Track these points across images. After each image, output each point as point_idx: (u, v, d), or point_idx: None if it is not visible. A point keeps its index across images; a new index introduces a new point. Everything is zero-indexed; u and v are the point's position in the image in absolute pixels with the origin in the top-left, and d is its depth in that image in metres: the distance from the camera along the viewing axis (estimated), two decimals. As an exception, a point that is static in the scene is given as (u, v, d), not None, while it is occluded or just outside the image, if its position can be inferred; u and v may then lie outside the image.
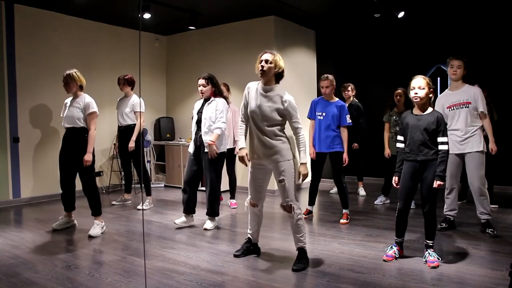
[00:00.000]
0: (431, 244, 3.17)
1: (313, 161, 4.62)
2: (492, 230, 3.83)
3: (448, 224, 4.08)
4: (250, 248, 3.46)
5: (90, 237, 3.98)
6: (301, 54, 7.13)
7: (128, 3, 5.60)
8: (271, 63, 3.05)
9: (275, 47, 6.36)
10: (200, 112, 4.26)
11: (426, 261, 3.12)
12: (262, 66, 3.05)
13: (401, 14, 5.90)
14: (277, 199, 5.98)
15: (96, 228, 4.06)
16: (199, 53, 7.28)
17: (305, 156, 3.14)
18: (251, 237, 3.47)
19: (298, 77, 6.96)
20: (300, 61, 7.07)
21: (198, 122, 4.25)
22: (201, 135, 4.20)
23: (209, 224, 4.26)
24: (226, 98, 4.35)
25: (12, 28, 5.54)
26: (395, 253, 3.28)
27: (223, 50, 6.94)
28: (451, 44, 6.33)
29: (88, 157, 4.00)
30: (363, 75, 7.19)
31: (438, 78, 6.49)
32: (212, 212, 4.28)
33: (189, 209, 4.38)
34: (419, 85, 3.08)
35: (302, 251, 3.18)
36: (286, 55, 6.66)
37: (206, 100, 4.27)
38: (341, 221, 4.46)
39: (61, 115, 4.28)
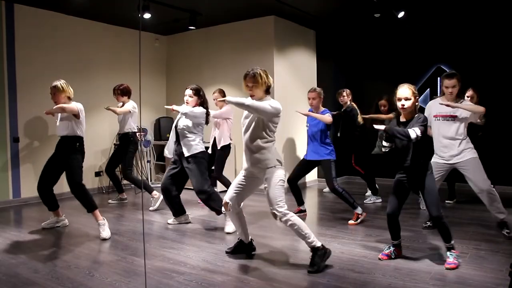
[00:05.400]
0: (450, 246, 3.11)
1: (300, 163, 4.70)
2: (508, 231, 3.79)
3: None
4: (243, 246, 3.48)
5: (104, 239, 3.92)
6: (301, 54, 7.13)
7: (128, 3, 5.60)
8: (256, 87, 3.08)
9: (275, 47, 6.38)
10: (177, 122, 4.26)
11: (445, 261, 3.10)
12: (250, 91, 3.10)
13: (401, 14, 5.90)
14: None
15: (106, 230, 4.01)
16: (199, 53, 7.28)
17: (235, 100, 3.02)
18: (241, 238, 3.48)
19: (298, 77, 6.97)
20: (300, 61, 7.07)
21: (176, 131, 4.26)
22: (179, 142, 4.23)
23: (230, 228, 4.14)
24: (207, 114, 4.33)
25: (12, 28, 5.54)
26: (391, 253, 3.28)
27: (223, 50, 6.95)
28: (451, 44, 6.33)
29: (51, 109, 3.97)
30: (363, 75, 7.20)
31: (438, 78, 6.49)
32: (220, 212, 4.21)
33: (172, 211, 4.50)
34: (405, 96, 3.07)
35: (314, 250, 3.11)
36: (286, 55, 6.67)
37: None
38: (350, 222, 4.44)
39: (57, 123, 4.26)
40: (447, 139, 3.78)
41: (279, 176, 3.10)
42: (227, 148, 5.28)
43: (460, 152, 3.75)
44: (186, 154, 4.18)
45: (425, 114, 3.94)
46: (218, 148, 5.24)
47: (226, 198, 3.29)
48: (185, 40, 7.50)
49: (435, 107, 3.87)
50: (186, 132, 4.19)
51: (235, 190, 3.28)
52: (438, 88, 6.48)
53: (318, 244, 3.10)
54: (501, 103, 5.79)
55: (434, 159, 3.91)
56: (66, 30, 6.15)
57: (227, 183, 5.24)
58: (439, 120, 3.82)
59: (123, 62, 6.79)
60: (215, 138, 5.29)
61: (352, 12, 6.28)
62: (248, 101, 3.01)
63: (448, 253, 3.11)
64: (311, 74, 7.38)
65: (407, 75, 6.47)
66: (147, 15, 5.68)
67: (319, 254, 3.09)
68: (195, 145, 4.22)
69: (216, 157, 5.28)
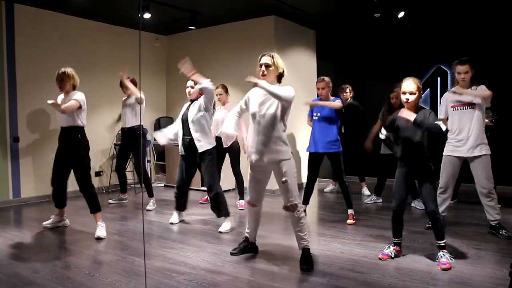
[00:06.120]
0: (442, 245, 3.13)
1: (309, 161, 4.62)
2: (505, 231, 3.78)
3: None
4: (248, 247, 3.49)
5: (99, 238, 3.93)
6: (301, 54, 7.13)
7: (128, 3, 5.60)
8: (271, 66, 3.07)
9: (275, 47, 6.37)
10: (185, 114, 4.24)
11: (438, 262, 3.09)
12: (263, 71, 3.08)
13: (401, 14, 5.90)
14: (277, 199, 5.96)
15: (102, 230, 4.02)
16: (199, 53, 7.27)
17: (268, 87, 2.98)
18: (248, 236, 3.50)
19: (298, 77, 6.96)
20: (300, 61, 7.07)
21: (184, 123, 4.24)
22: (190, 135, 4.19)
23: (225, 227, 4.18)
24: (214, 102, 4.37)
25: (12, 28, 5.54)
26: (391, 253, 3.28)
27: (223, 50, 6.95)
28: (451, 44, 6.33)
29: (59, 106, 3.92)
30: (363, 75, 7.19)
31: (438, 78, 6.49)
32: (220, 213, 4.24)
33: (180, 207, 4.52)
34: (410, 90, 3.11)
35: (306, 250, 3.18)
36: (286, 55, 6.66)
37: (192, 101, 4.27)
38: (348, 221, 4.43)
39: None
40: (466, 129, 3.74)
41: (294, 168, 3.14)
42: (237, 143, 5.35)
43: (477, 146, 3.72)
44: (200, 150, 4.17)
45: (442, 107, 3.96)
46: (228, 146, 5.26)
47: (251, 200, 3.33)
48: (185, 40, 7.49)
49: (451, 98, 3.85)
50: (201, 120, 4.15)
51: (255, 189, 3.30)
52: (438, 88, 6.48)
53: (309, 245, 3.21)
54: (501, 103, 5.79)
55: (448, 153, 3.88)
56: (66, 30, 6.15)
57: (241, 182, 5.34)
58: (458, 110, 3.79)
59: (123, 62, 6.77)
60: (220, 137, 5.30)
61: (352, 12, 6.28)
62: (280, 91, 2.96)
63: (440, 252, 3.11)
64: (311, 74, 7.38)
65: (407, 75, 6.37)
66: (147, 15, 5.68)
67: (311, 256, 3.19)
68: (209, 139, 4.22)
69: (232, 155, 5.31)
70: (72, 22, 6.22)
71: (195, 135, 4.17)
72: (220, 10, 6.14)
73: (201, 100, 4.18)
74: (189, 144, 4.23)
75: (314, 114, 4.54)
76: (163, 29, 7.26)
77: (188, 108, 4.28)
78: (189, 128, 4.19)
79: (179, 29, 7.23)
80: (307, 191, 4.70)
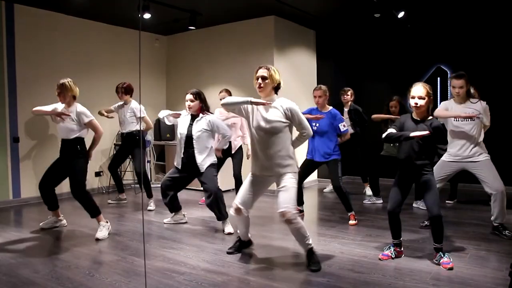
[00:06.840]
0: (441, 247, 3.14)
1: (304, 165, 4.63)
2: (509, 231, 3.79)
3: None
4: (242, 245, 3.52)
5: (98, 239, 3.92)
6: (301, 54, 7.13)
7: (128, 3, 5.60)
8: (267, 79, 3.10)
9: (275, 47, 6.37)
10: (189, 130, 4.19)
11: (439, 263, 3.09)
12: (260, 83, 3.11)
13: (401, 14, 5.90)
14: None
15: (103, 231, 4.02)
16: (199, 53, 7.28)
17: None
18: (241, 237, 3.52)
19: (298, 77, 6.96)
20: (300, 61, 7.07)
21: (188, 139, 4.17)
22: (192, 152, 4.14)
23: (229, 228, 4.15)
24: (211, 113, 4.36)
25: (12, 28, 5.54)
26: (391, 253, 3.29)
27: (223, 50, 6.95)
28: (451, 44, 6.33)
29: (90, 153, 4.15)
30: (363, 75, 7.20)
31: (438, 78, 6.50)
32: (222, 216, 4.20)
33: (174, 208, 4.49)
34: (419, 95, 3.06)
35: (311, 251, 3.17)
36: (286, 55, 6.67)
37: (194, 116, 4.22)
38: (350, 222, 4.42)
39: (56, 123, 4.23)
40: (466, 139, 3.78)
41: (296, 179, 3.15)
42: (241, 149, 5.36)
43: (474, 153, 3.76)
44: (202, 170, 4.14)
45: (440, 107, 3.95)
46: (234, 152, 5.27)
47: (237, 203, 3.27)
48: (185, 40, 7.50)
49: (452, 110, 3.86)
50: (206, 139, 4.17)
51: (247, 194, 3.27)
52: (438, 88, 6.48)
53: (313, 245, 3.20)
54: (502, 103, 5.79)
55: (444, 158, 3.91)
56: (66, 30, 6.15)
57: (240, 185, 5.29)
58: (458, 121, 3.82)
59: (123, 62, 6.79)
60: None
61: (352, 12, 6.28)
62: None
63: (440, 253, 3.12)
64: (311, 74, 7.38)
65: (407, 75, 6.47)
66: (147, 15, 5.68)
67: (316, 254, 3.18)
68: (210, 157, 4.21)
69: (235, 160, 5.31)
70: (72, 22, 6.22)
71: (198, 155, 4.13)
72: (220, 10, 6.14)
73: (214, 127, 4.20)
74: (190, 159, 4.17)
75: (313, 124, 4.51)
76: (163, 29, 7.26)
77: (191, 124, 4.20)
78: (193, 145, 4.15)
79: (179, 29, 7.23)
80: (298, 192, 4.69)
